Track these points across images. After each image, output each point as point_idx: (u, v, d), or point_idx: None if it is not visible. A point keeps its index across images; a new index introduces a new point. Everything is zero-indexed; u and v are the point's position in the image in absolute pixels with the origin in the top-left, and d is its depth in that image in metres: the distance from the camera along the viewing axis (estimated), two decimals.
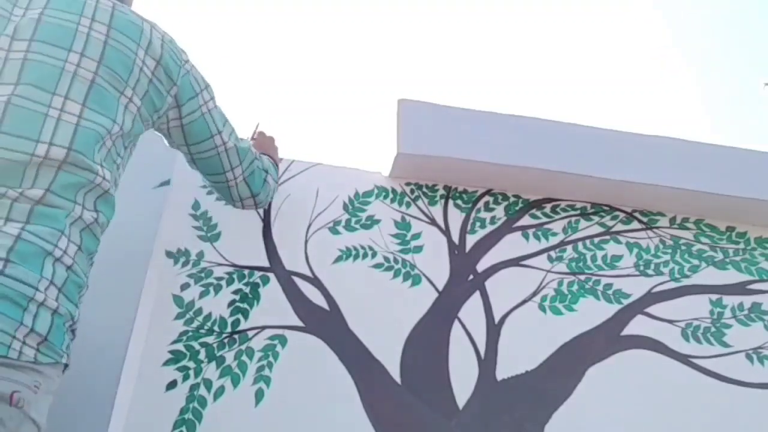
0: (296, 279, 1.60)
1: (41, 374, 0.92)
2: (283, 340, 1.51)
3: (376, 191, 1.77)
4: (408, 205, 1.76)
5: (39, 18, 1.10)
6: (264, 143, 1.64)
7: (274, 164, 1.58)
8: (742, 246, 1.83)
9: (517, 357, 1.56)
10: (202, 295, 1.53)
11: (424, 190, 1.79)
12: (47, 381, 0.94)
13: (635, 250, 1.77)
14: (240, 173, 1.41)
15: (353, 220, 1.71)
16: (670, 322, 1.66)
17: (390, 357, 1.52)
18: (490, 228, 1.75)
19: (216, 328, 1.50)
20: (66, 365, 0.99)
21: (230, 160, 1.39)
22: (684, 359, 1.61)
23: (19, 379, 0.88)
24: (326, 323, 1.55)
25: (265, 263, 1.61)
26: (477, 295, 1.64)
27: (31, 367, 0.90)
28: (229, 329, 1.51)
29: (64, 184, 1.01)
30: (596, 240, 1.78)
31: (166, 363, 1.45)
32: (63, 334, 0.97)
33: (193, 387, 1.43)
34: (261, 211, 1.68)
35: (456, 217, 1.76)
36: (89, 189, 1.04)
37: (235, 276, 1.58)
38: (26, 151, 1.00)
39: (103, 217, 1.07)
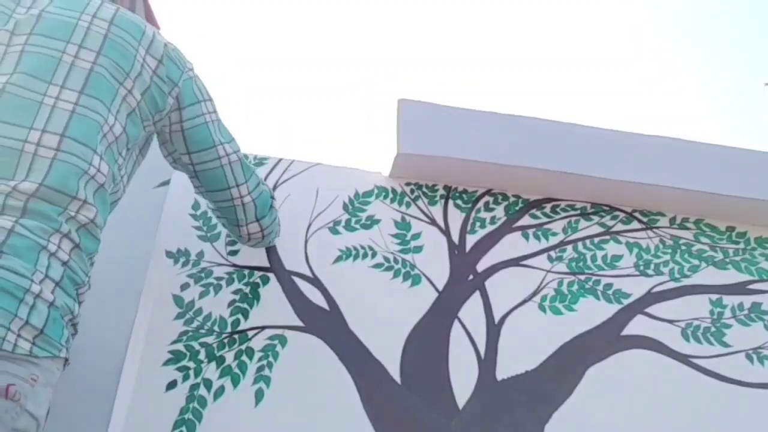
0: (296, 279, 1.60)
1: (38, 367, 0.91)
2: (283, 340, 1.51)
3: (376, 191, 1.77)
4: (408, 205, 1.76)
5: (39, 14, 1.10)
6: None
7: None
8: (742, 246, 1.83)
9: (517, 357, 1.56)
10: (202, 295, 1.53)
11: (424, 190, 1.79)
12: (45, 373, 0.92)
13: (635, 250, 1.77)
14: (246, 192, 1.36)
15: (353, 220, 1.71)
16: (670, 322, 1.66)
17: (390, 357, 1.52)
18: (490, 228, 1.75)
19: (216, 328, 1.50)
20: (66, 359, 0.98)
21: (235, 174, 1.33)
22: (684, 359, 1.61)
23: (15, 372, 0.87)
24: (326, 323, 1.55)
25: (265, 263, 1.61)
26: (477, 295, 1.64)
27: (27, 360, 0.89)
28: (229, 329, 1.51)
29: (59, 175, 0.98)
30: (596, 240, 1.78)
31: (166, 363, 1.45)
32: (62, 327, 0.95)
33: (193, 387, 1.43)
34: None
35: (456, 217, 1.76)
36: (87, 180, 1.02)
37: (235, 276, 1.58)
38: (19, 138, 0.98)
39: (100, 217, 1.05)
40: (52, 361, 0.93)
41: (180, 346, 1.46)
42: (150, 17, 1.47)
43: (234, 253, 1.61)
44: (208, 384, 1.43)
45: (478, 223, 1.76)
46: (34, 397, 0.90)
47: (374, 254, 1.66)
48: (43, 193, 0.96)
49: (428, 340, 1.56)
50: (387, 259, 1.66)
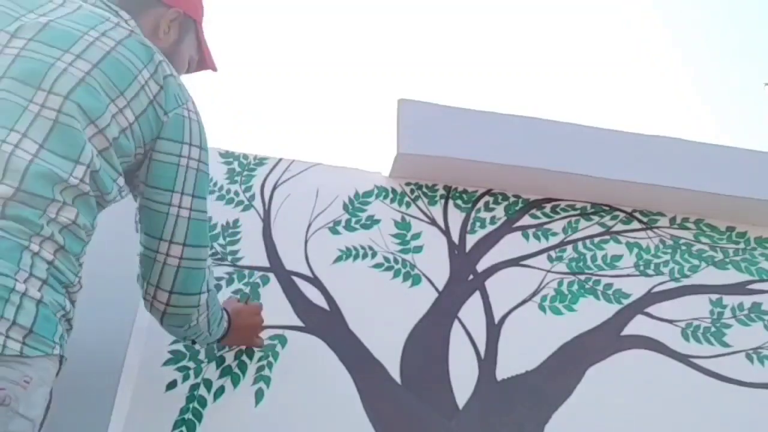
0: (296, 279, 1.60)
1: (31, 367, 0.88)
2: (283, 340, 1.51)
3: (376, 191, 1.77)
4: (408, 205, 1.76)
5: (47, 23, 1.08)
6: (243, 322, 1.42)
7: (226, 329, 1.36)
8: (742, 246, 1.83)
9: (517, 357, 1.56)
10: None
11: (424, 190, 1.80)
12: (40, 372, 0.90)
13: (635, 250, 1.77)
14: (177, 256, 1.16)
15: (353, 220, 1.71)
16: (670, 322, 1.66)
17: (390, 357, 1.52)
18: (490, 228, 1.75)
19: None
20: (62, 356, 0.95)
21: (175, 231, 1.15)
22: (684, 359, 1.61)
23: (5, 375, 0.85)
24: (326, 323, 1.55)
25: (265, 263, 1.61)
26: (477, 295, 1.64)
27: (18, 361, 0.87)
28: None
29: (36, 179, 0.95)
30: (596, 240, 1.78)
31: (166, 363, 1.44)
32: (54, 324, 0.93)
33: (193, 387, 1.43)
34: (261, 211, 1.69)
35: (456, 217, 1.76)
36: (64, 187, 0.99)
37: (235, 276, 1.58)
38: None
39: (83, 218, 1.01)
40: (46, 359, 0.91)
41: (180, 346, 1.46)
42: (206, 58, 1.42)
43: (234, 252, 1.61)
44: (208, 384, 1.43)
45: (478, 223, 1.76)
46: (27, 399, 0.88)
47: (374, 254, 1.66)
48: (20, 197, 0.94)
49: (428, 340, 1.56)
50: (387, 259, 1.66)
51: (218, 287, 1.55)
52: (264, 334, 1.49)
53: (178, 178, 1.16)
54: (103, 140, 1.07)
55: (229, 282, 1.56)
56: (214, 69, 1.45)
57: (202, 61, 1.41)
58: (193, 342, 1.33)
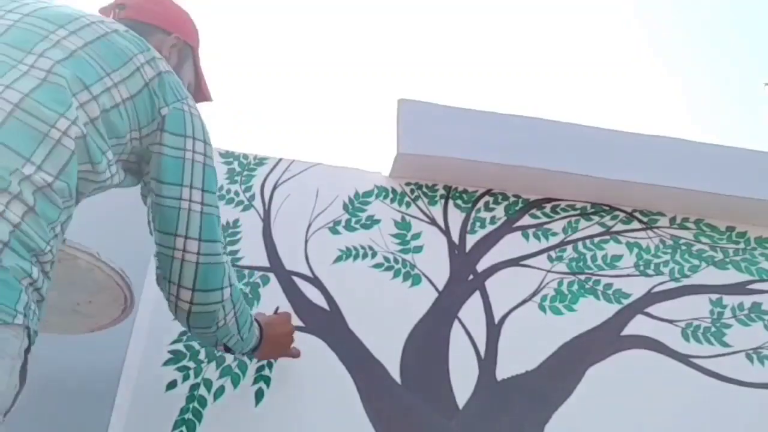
0: (296, 279, 1.60)
1: None
2: None
3: (376, 191, 1.77)
4: (408, 205, 1.76)
5: (47, 6, 1.08)
6: (276, 331, 1.39)
7: (259, 339, 1.33)
8: (742, 246, 1.83)
9: (517, 357, 1.56)
10: None
11: (424, 190, 1.80)
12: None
13: (635, 250, 1.77)
14: (194, 252, 1.13)
15: (353, 220, 1.71)
16: (670, 322, 1.66)
17: (390, 357, 1.52)
18: (490, 228, 1.76)
19: None
20: (29, 328, 0.86)
21: (189, 226, 1.13)
22: (684, 359, 1.61)
23: None
24: (326, 323, 1.55)
25: (265, 263, 1.61)
26: (477, 295, 1.64)
27: None
28: None
29: (12, 132, 0.90)
30: (596, 240, 1.78)
31: (166, 363, 1.44)
32: (16, 291, 0.84)
33: (193, 387, 1.43)
34: (261, 211, 1.68)
35: (456, 217, 1.76)
36: (49, 145, 0.93)
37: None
38: None
39: (61, 183, 0.94)
40: (6, 328, 0.82)
41: (180, 346, 1.46)
42: (202, 86, 1.41)
43: (234, 252, 1.61)
44: (208, 384, 1.43)
45: (478, 223, 1.76)
46: None
47: (374, 254, 1.66)
48: None
49: (428, 340, 1.56)
50: (387, 259, 1.66)
51: None
52: None
53: (185, 172, 1.14)
54: (94, 108, 1.02)
55: None
56: (210, 99, 1.44)
57: (198, 88, 1.40)
58: (228, 350, 1.30)
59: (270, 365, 1.47)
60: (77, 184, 1.00)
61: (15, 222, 0.86)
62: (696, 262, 1.78)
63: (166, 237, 1.14)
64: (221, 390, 1.43)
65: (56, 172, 0.93)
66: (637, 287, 1.71)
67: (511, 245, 1.73)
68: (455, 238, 1.73)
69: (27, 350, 0.86)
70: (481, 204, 1.80)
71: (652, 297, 1.70)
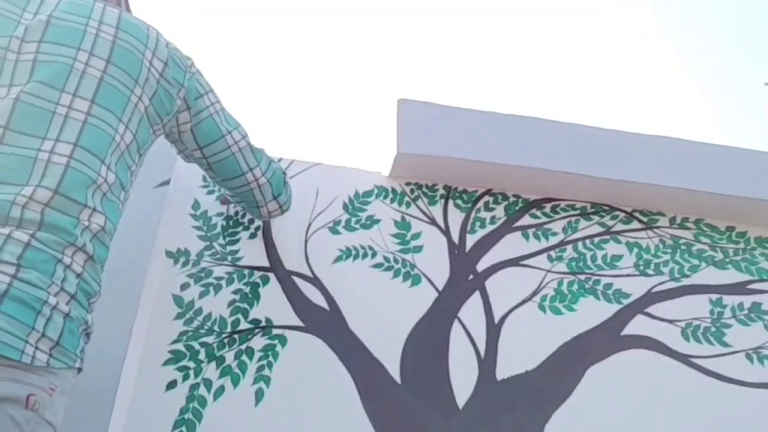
0: (296, 279, 1.60)
1: (56, 376, 0.94)
2: (283, 340, 1.51)
3: (376, 191, 1.77)
4: (408, 205, 1.76)
5: (48, 20, 1.11)
6: None
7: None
8: (742, 246, 1.83)
9: (517, 357, 1.56)
10: (202, 295, 1.53)
11: (424, 190, 1.79)
12: (62, 382, 0.95)
13: (635, 250, 1.77)
14: (260, 174, 1.42)
15: (353, 220, 1.71)
16: (670, 322, 1.66)
17: (390, 357, 1.52)
18: (490, 228, 1.75)
19: (216, 328, 1.50)
20: (80, 369, 1.01)
21: (246, 160, 1.39)
22: (684, 359, 1.61)
23: (35, 382, 0.90)
24: (326, 323, 1.55)
25: (265, 263, 1.61)
26: (477, 295, 1.64)
27: (45, 370, 0.92)
28: (229, 329, 1.50)
29: (71, 183, 1.00)
30: (596, 240, 1.78)
31: (166, 363, 1.45)
32: (77, 338, 0.98)
33: (193, 387, 1.43)
34: None
35: (456, 217, 1.76)
36: (94, 189, 1.04)
37: (235, 276, 1.58)
38: (33, 147, 1.00)
39: (110, 223, 1.07)
40: (68, 371, 0.96)
41: (180, 346, 1.46)
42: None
43: (234, 252, 1.61)
44: (208, 384, 1.43)
45: (478, 223, 1.76)
46: (52, 406, 0.92)
47: (374, 254, 1.66)
48: (57, 203, 0.98)
49: (428, 340, 1.56)
50: (387, 259, 1.66)
51: (218, 287, 1.55)
52: (264, 334, 1.49)
53: (219, 124, 1.34)
54: (128, 135, 1.13)
55: (229, 282, 1.56)
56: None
57: None
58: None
59: (270, 365, 1.47)
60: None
61: (79, 272, 0.99)
62: (696, 262, 1.78)
63: (237, 179, 1.41)
64: (221, 390, 1.43)
65: (105, 214, 1.06)
66: (637, 287, 1.71)
67: (511, 245, 1.73)
68: (455, 238, 1.73)
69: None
70: (481, 204, 1.80)
71: (652, 297, 1.70)
